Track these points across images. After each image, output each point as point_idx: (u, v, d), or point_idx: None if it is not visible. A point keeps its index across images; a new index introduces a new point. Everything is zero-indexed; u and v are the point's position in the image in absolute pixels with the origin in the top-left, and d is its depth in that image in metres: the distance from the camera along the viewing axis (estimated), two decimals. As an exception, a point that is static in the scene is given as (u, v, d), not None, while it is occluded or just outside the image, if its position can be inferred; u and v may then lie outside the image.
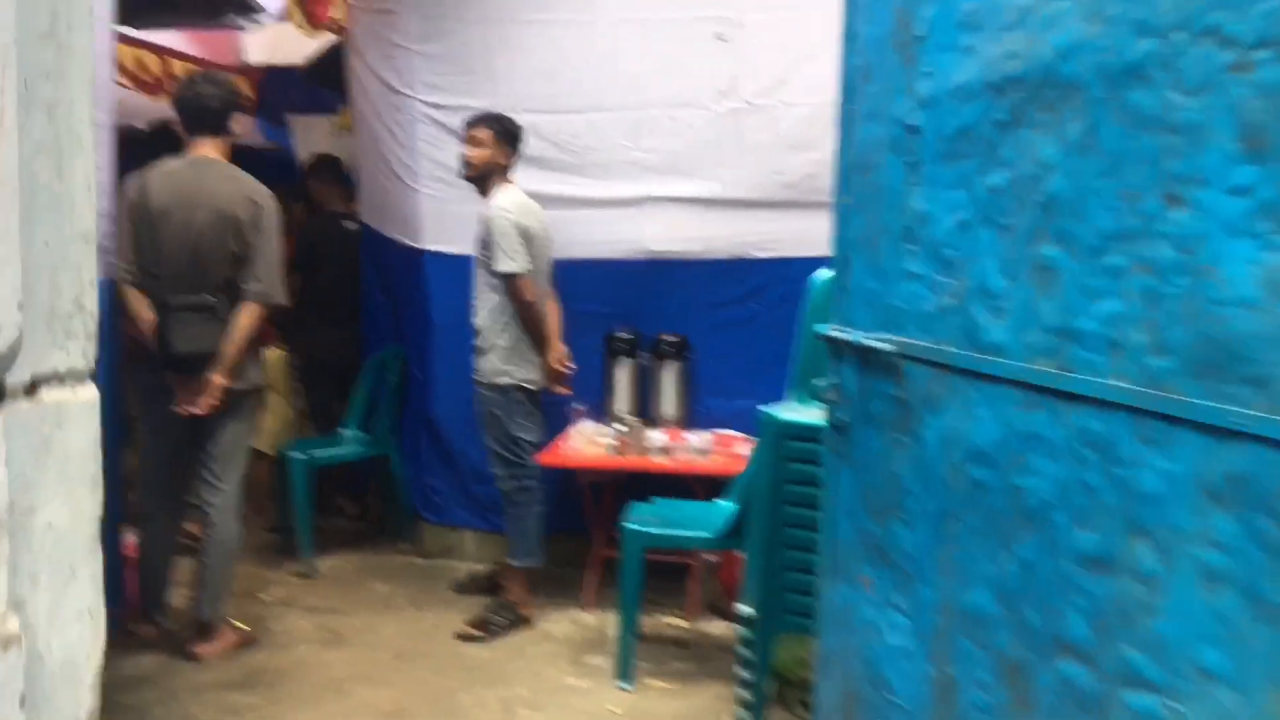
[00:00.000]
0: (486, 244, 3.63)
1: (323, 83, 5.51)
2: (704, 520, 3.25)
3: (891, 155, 1.81)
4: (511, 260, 3.57)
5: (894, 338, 1.77)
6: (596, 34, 4.07)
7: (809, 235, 3.40)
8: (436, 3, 4.15)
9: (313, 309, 4.78)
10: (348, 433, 4.65)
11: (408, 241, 4.39)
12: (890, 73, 1.82)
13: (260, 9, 4.05)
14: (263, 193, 3.28)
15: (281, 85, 6.18)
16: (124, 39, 5.67)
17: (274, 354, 5.10)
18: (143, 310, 3.16)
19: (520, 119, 3.79)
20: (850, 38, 2.03)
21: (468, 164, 3.72)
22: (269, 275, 3.24)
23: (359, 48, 4.51)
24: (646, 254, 4.14)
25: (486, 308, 3.69)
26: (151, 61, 6.01)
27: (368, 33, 4.42)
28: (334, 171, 5.00)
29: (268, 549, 4.48)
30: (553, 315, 3.86)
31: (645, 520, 3.32)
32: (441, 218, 4.24)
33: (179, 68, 6.40)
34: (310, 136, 6.19)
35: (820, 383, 2.15)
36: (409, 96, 4.25)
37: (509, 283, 3.60)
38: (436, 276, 4.29)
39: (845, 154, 2.04)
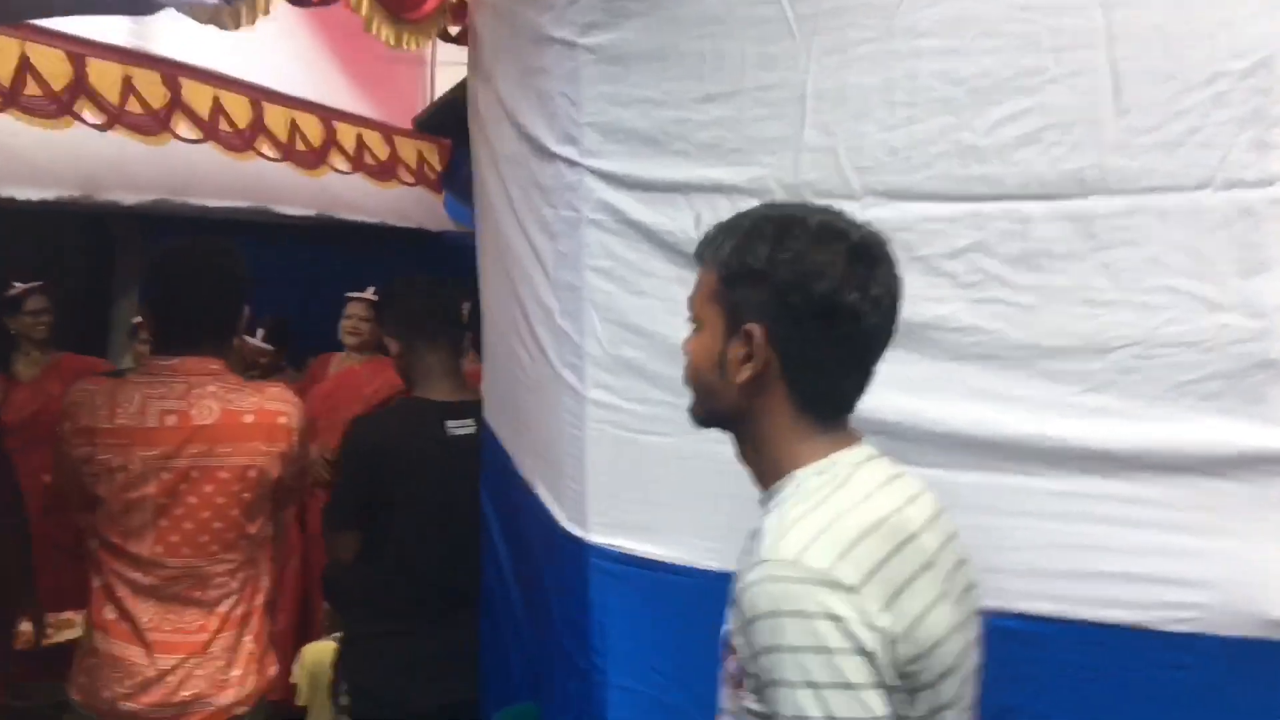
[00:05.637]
0: (745, 671, 0.99)
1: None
2: None
3: None
4: None
5: None
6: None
7: None
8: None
9: (370, 594, 2.34)
10: None
11: (554, 512, 1.80)
12: None
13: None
14: None
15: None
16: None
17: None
18: None
19: (871, 216, 1.17)
20: None
21: (687, 378, 1.13)
22: None
23: (483, 62, 2.07)
24: (1265, 628, 1.34)
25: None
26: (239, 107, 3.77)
27: (502, 27, 1.98)
28: (445, 312, 2.51)
29: None
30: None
31: None
32: (626, 463, 1.66)
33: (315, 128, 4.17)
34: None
35: None
36: (570, 161, 1.72)
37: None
38: (616, 607, 1.69)
39: None
